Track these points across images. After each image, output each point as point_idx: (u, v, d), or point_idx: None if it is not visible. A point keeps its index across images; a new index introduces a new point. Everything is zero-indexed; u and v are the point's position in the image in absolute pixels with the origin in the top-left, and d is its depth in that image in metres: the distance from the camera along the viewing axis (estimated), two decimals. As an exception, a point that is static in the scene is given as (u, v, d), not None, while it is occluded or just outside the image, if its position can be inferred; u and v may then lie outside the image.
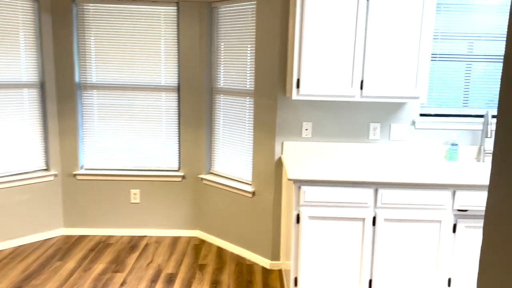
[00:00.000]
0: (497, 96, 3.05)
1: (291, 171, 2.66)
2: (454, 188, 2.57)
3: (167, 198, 3.85)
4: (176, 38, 3.65)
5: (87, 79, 3.70)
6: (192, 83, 3.67)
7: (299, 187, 2.58)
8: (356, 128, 3.12)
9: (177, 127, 3.78)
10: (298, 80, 2.75)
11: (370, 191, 2.57)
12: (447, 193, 2.57)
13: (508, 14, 2.98)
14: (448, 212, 2.59)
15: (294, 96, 2.77)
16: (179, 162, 3.83)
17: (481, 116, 3.11)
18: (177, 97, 3.74)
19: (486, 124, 3.00)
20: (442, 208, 2.59)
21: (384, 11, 2.66)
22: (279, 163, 3.18)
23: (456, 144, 3.03)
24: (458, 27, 3.03)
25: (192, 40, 3.61)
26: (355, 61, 2.72)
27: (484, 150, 3.02)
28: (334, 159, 3.03)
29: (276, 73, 3.08)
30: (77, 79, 3.67)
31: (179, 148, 3.81)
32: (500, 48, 3.04)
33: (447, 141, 3.11)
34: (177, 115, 3.77)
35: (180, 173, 3.80)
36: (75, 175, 3.79)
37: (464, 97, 3.12)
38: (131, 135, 3.79)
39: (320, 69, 2.73)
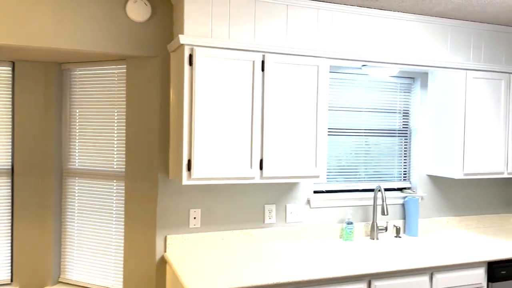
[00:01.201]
0: (387, 170, 3.06)
1: (188, 281, 2.05)
2: (369, 278, 2.32)
3: (-8, 326, 2.72)
4: (9, 106, 2.77)
5: None
6: (32, 163, 2.78)
7: (202, 303, 1.98)
8: (250, 211, 2.71)
9: (9, 223, 2.78)
10: (189, 162, 2.23)
11: (286, 294, 2.13)
12: (363, 286, 2.30)
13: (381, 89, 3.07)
14: (367, 306, 2.32)
15: (185, 181, 2.23)
16: (12, 271, 2.78)
17: (372, 190, 3.04)
18: (10, 183, 2.78)
19: (377, 199, 2.93)
20: (361, 303, 2.30)
21: (280, 85, 2.40)
22: (162, 264, 2.51)
23: (352, 223, 2.86)
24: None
25: (34, 109, 2.78)
26: (253, 138, 2.35)
27: (377, 227, 2.92)
28: (230, 252, 2.53)
29: (156, 152, 2.50)
30: None
31: (12, 251, 2.78)
32: (380, 122, 3.08)
33: (342, 219, 2.93)
34: (9, 206, 2.78)
35: (13, 287, 2.75)
36: None
37: (354, 173, 3.04)
38: None
39: (214, 148, 2.28)
